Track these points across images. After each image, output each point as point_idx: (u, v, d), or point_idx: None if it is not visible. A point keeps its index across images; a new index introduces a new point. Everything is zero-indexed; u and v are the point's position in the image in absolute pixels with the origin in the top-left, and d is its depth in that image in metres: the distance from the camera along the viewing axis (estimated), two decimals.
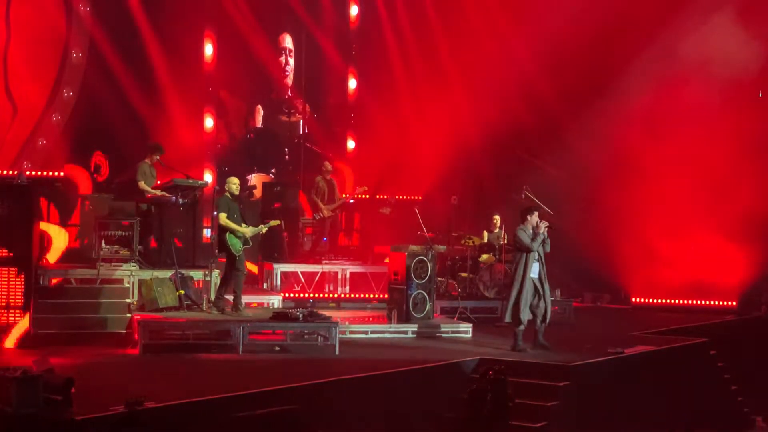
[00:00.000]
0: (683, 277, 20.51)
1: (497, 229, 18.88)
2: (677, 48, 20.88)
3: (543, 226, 14.35)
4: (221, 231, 14.72)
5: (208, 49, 22.27)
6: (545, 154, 22.65)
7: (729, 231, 19.98)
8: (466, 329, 15.96)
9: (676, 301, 20.83)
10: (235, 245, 14.64)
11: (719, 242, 20.18)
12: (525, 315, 14.08)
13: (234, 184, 15.02)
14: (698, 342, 15.72)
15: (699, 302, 20.77)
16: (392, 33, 24.18)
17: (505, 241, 18.41)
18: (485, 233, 19.08)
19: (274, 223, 15.90)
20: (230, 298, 15.07)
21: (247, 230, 14.73)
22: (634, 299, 21.50)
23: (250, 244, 14.95)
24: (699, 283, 20.59)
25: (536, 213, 14.48)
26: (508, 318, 14.31)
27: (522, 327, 14.14)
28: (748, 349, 17.67)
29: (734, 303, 20.58)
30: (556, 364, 13.07)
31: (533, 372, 12.86)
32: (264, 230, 15.62)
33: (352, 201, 20.66)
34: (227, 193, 14.97)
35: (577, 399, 12.68)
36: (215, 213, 15.10)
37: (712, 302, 20.75)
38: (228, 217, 14.65)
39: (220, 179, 22.30)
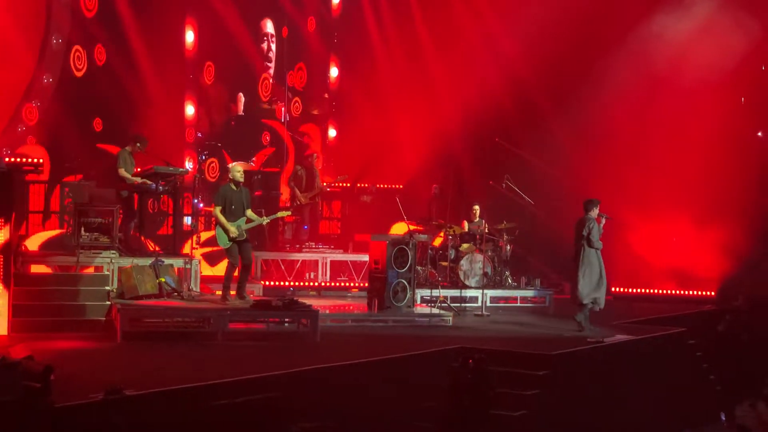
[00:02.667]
0: (663, 267, 20.60)
1: (477, 219, 18.92)
2: (659, 38, 20.94)
3: (603, 219, 15.45)
4: (216, 222, 14.71)
5: (190, 36, 22.20)
6: (526, 143, 22.69)
7: (708, 221, 20.08)
8: (446, 318, 15.99)
9: (656, 291, 20.91)
10: (222, 239, 14.61)
11: (699, 232, 20.27)
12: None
13: (238, 171, 14.81)
14: (677, 331, 15.80)
15: (678, 292, 20.86)
16: (374, 21, 24.15)
17: (487, 231, 18.47)
18: (465, 223, 19.11)
19: (282, 214, 15.93)
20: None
21: (234, 229, 14.58)
22: (613, 289, 21.51)
23: (244, 236, 14.79)
24: (678, 273, 20.69)
25: (598, 205, 15.43)
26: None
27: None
28: (727, 338, 17.73)
29: (713, 293, 20.68)
30: (536, 353, 13.12)
31: (513, 361, 12.89)
32: (266, 221, 15.48)
33: (329, 189, 20.64)
34: (231, 183, 14.80)
35: (557, 388, 12.73)
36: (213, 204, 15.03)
37: (691, 292, 20.84)
38: (224, 209, 14.57)
39: (201, 166, 22.31)
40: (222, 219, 14.51)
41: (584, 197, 15.90)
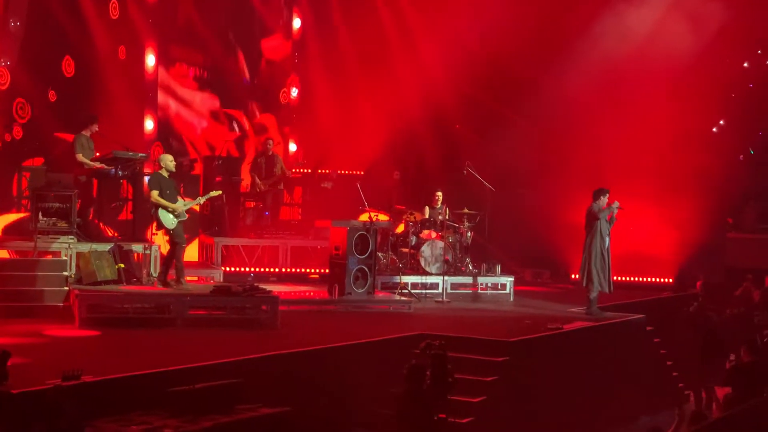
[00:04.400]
0: (621, 254, 20.69)
1: (439, 205, 18.91)
2: (620, 26, 21.06)
3: (615, 206, 15.62)
4: (155, 208, 14.64)
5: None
6: (487, 131, 22.75)
7: (667, 208, 20.25)
8: (406, 304, 16.02)
9: (615, 278, 20.97)
10: (168, 220, 14.56)
11: (657, 219, 20.44)
12: (599, 282, 15.61)
13: (170, 161, 14.88)
14: (635, 318, 15.96)
15: (637, 279, 21.03)
16: (338, 10, 23.99)
17: (447, 217, 18.50)
18: (427, 209, 19.09)
19: (214, 193, 15.82)
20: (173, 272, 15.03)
21: (179, 206, 14.61)
22: (573, 276, 21.67)
23: (186, 217, 14.85)
24: (637, 259, 20.83)
25: (607, 194, 15.70)
26: (587, 283, 15.74)
27: (595, 293, 15.76)
28: (684, 325, 17.91)
29: (671, 280, 20.88)
30: (495, 340, 13.18)
31: (473, 347, 12.95)
32: (202, 201, 15.63)
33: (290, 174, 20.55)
34: (162, 170, 14.80)
35: (516, 374, 12.80)
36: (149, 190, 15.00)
37: (649, 279, 21.03)
38: (161, 194, 14.54)
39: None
40: (163, 201, 14.52)
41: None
